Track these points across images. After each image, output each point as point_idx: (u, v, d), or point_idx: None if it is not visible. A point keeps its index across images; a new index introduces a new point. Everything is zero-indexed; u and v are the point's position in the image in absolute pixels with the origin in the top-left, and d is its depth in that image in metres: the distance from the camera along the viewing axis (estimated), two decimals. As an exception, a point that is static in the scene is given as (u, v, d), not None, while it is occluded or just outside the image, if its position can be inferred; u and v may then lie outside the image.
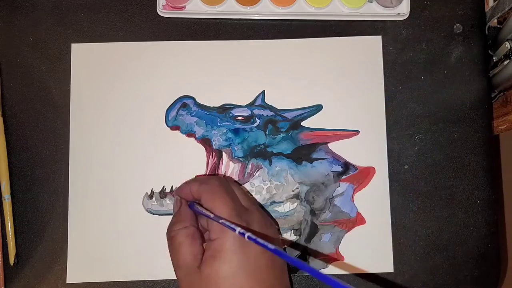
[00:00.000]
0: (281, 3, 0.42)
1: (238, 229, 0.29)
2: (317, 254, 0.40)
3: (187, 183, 0.37)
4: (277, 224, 0.40)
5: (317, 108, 0.41)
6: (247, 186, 0.41)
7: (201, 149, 0.41)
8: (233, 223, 0.31)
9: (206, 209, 0.34)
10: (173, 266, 0.34)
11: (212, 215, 0.32)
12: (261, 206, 0.40)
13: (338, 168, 0.41)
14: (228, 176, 0.40)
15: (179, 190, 0.37)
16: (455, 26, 0.42)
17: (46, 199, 0.41)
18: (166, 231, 0.35)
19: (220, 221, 0.31)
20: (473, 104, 0.41)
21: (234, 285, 0.30)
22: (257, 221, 0.34)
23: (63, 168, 0.41)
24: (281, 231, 0.40)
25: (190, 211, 0.35)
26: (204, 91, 0.42)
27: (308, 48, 0.42)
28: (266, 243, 0.27)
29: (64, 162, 0.41)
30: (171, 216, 0.40)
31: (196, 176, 0.40)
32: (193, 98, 0.42)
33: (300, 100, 0.42)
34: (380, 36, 0.42)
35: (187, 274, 0.32)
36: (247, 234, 0.29)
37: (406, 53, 0.42)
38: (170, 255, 0.34)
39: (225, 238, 0.31)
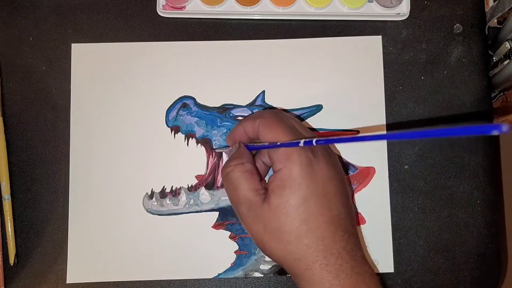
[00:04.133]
0: (281, 3, 0.42)
1: (302, 140, 0.28)
2: (317, 254, 0.40)
3: (239, 124, 0.35)
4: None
5: (317, 108, 0.41)
6: (247, 186, 0.41)
7: (201, 149, 0.41)
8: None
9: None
10: (232, 203, 0.33)
11: (269, 144, 0.31)
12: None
13: (338, 168, 0.41)
14: (281, 109, 0.36)
15: (232, 135, 0.36)
16: (455, 26, 0.42)
17: (46, 199, 0.41)
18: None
19: (278, 143, 0.30)
20: (473, 104, 0.41)
21: (305, 212, 0.30)
22: (320, 148, 0.32)
23: (63, 168, 0.41)
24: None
25: (247, 151, 0.34)
26: (204, 91, 0.42)
27: (308, 48, 0.42)
28: (338, 137, 0.27)
29: (64, 162, 0.41)
30: (172, 216, 0.40)
31: (243, 119, 0.37)
32: (193, 98, 0.42)
33: (300, 100, 0.41)
34: (380, 36, 0.42)
35: (251, 208, 0.31)
36: (314, 139, 0.28)
37: (406, 53, 0.42)
38: (228, 193, 0.33)
39: (292, 165, 0.30)
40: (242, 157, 0.33)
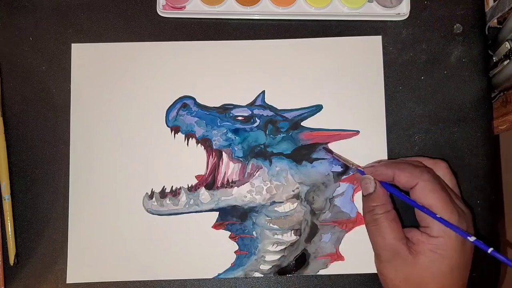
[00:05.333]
0: (281, 3, 0.42)
1: (491, 249, 0.31)
2: (317, 254, 0.40)
3: (389, 167, 0.35)
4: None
5: (317, 108, 0.41)
6: (247, 186, 0.41)
7: (201, 149, 0.41)
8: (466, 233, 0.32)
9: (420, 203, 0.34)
10: (376, 246, 0.35)
11: (439, 217, 0.33)
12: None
13: (338, 168, 0.41)
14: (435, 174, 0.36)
15: (376, 172, 0.36)
16: (455, 26, 0.42)
17: (46, 199, 0.41)
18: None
19: (438, 215, 0.32)
20: (473, 104, 0.41)
21: (447, 279, 0.33)
22: (471, 225, 0.35)
23: (63, 168, 0.41)
24: (281, 231, 0.40)
25: (387, 192, 0.36)
26: (204, 91, 0.42)
27: (308, 48, 0.42)
28: (506, 259, 0.30)
29: (64, 162, 0.41)
30: (172, 216, 0.40)
31: (382, 162, 0.38)
32: (193, 98, 0.42)
33: (300, 100, 0.42)
34: (380, 36, 0.42)
35: (395, 256, 0.34)
36: (490, 249, 0.31)
37: (406, 53, 0.42)
38: (372, 237, 0.35)
39: (449, 238, 0.33)
40: (387, 203, 0.35)
